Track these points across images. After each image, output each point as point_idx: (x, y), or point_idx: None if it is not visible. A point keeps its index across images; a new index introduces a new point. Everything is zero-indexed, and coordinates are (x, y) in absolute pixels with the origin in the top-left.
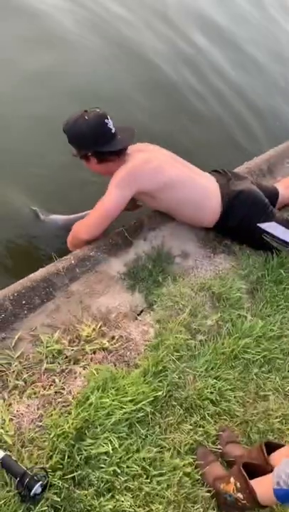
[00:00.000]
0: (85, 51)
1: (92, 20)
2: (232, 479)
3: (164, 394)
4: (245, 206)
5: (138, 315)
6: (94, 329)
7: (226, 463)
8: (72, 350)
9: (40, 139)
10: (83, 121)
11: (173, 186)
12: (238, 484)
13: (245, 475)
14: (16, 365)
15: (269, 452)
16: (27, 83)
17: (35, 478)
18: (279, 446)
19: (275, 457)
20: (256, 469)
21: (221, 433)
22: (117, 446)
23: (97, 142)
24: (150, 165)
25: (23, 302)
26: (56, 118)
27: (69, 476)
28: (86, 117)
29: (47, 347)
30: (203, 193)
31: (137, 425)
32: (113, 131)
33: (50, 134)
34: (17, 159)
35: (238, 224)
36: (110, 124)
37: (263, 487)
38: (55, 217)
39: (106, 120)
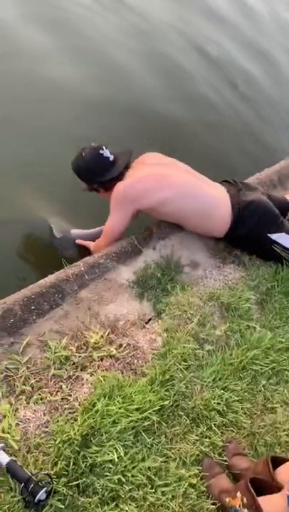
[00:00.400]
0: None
1: None
2: (239, 494)
3: (171, 403)
4: (255, 216)
5: (146, 323)
6: (102, 336)
7: (232, 475)
8: (80, 356)
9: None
10: (81, 159)
11: (173, 200)
12: (245, 500)
13: (253, 491)
14: (23, 371)
15: (275, 467)
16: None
17: (39, 484)
18: (285, 460)
19: (281, 471)
20: (263, 485)
21: (227, 445)
22: (122, 454)
23: (96, 174)
24: (144, 182)
25: (32, 308)
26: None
27: (74, 483)
28: (83, 154)
29: (55, 353)
30: (211, 202)
31: (143, 434)
32: (111, 159)
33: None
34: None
35: (247, 234)
36: (106, 153)
37: (271, 506)
38: (73, 232)
39: (101, 151)
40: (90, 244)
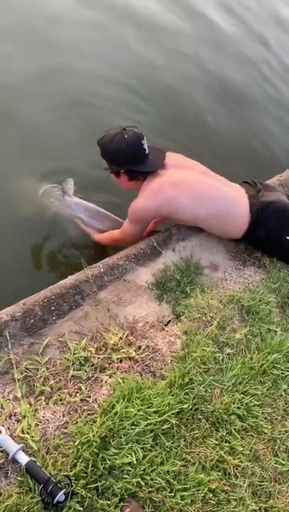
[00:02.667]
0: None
1: None
2: None
3: (190, 407)
4: (274, 217)
5: (165, 325)
6: (121, 338)
7: None
8: (99, 358)
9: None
10: (122, 139)
11: (188, 204)
12: None
13: None
14: (43, 371)
15: None
16: None
17: (58, 485)
18: None
19: None
20: None
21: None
22: (141, 457)
23: (131, 161)
24: (159, 196)
25: (52, 308)
26: None
27: (92, 485)
28: (126, 136)
29: (74, 354)
30: (228, 202)
31: (162, 437)
32: (147, 151)
33: None
34: None
35: (266, 235)
36: (146, 144)
37: None
38: (80, 202)
39: (142, 141)
40: (92, 233)
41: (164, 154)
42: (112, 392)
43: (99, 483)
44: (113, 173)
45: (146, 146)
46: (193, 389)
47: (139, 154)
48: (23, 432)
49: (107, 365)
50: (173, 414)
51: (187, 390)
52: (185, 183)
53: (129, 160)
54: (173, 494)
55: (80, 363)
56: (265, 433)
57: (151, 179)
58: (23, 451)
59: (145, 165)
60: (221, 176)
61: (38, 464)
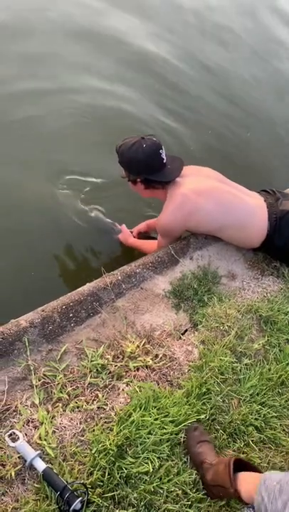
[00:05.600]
0: None
1: None
2: None
3: (207, 417)
4: None
5: (182, 334)
6: (138, 346)
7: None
8: (116, 365)
9: None
10: (140, 148)
11: (211, 215)
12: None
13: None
14: (60, 378)
15: (239, 469)
16: None
17: (75, 493)
18: (249, 466)
19: (241, 478)
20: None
21: (192, 432)
22: (157, 466)
23: (148, 170)
24: (183, 209)
25: (70, 315)
26: None
27: (109, 494)
28: (144, 145)
29: (91, 361)
30: (247, 210)
31: (178, 447)
32: (164, 161)
33: None
34: None
35: (284, 244)
36: (163, 154)
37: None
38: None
39: (160, 150)
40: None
41: (182, 163)
42: (128, 400)
43: (115, 492)
44: (130, 181)
45: (163, 156)
46: (211, 399)
47: (156, 163)
48: (40, 438)
49: (124, 373)
50: (190, 423)
51: (204, 400)
52: (207, 191)
53: (147, 169)
54: (189, 503)
55: (97, 370)
56: (283, 445)
57: (173, 191)
58: (40, 457)
59: (162, 174)
60: (238, 185)
61: (54, 471)
